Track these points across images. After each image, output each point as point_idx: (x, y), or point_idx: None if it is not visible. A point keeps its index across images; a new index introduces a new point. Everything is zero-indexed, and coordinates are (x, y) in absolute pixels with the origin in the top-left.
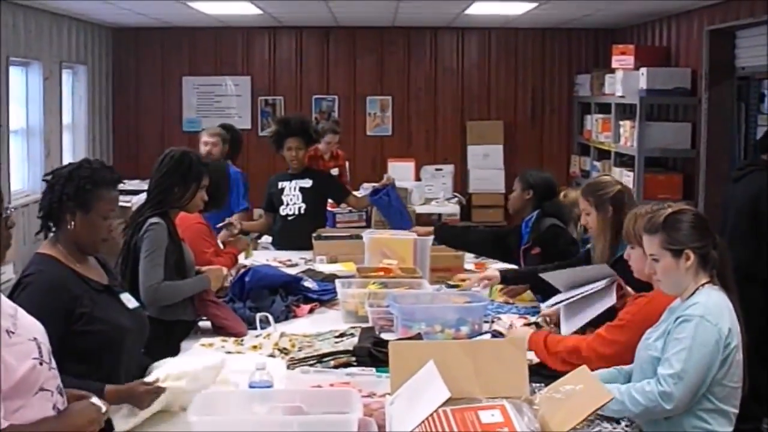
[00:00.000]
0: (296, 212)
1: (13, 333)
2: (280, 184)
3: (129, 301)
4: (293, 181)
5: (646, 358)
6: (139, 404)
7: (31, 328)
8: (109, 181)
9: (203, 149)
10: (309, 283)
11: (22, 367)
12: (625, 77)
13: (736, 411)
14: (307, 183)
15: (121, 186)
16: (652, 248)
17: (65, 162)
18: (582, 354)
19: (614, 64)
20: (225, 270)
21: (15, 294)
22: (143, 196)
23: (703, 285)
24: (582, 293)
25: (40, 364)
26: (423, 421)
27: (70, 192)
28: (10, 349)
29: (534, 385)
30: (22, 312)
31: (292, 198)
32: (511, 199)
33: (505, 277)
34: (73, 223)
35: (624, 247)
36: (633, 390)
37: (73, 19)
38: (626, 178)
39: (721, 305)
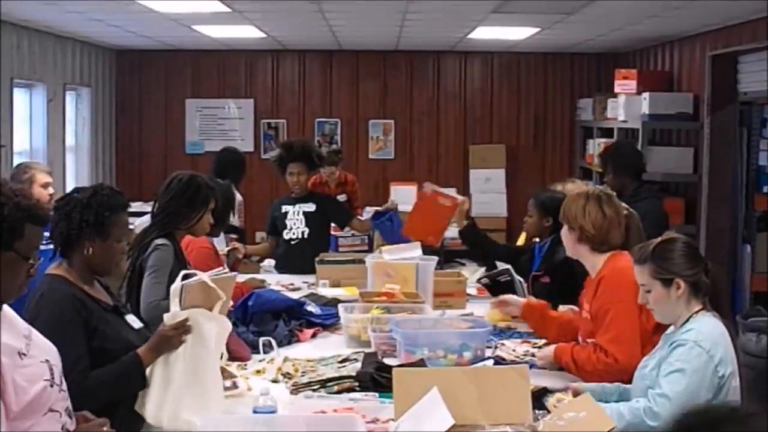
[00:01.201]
0: (299, 236)
1: (25, 355)
2: (284, 208)
3: (134, 322)
4: (296, 206)
5: (642, 387)
6: (173, 347)
7: (44, 348)
8: (123, 206)
9: (44, 192)
10: (312, 308)
11: (33, 389)
12: (627, 102)
13: None
14: (311, 207)
15: None
16: (643, 278)
17: (68, 184)
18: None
19: (617, 89)
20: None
21: (33, 315)
22: (146, 218)
23: (696, 312)
24: None
25: (51, 386)
26: None
27: (90, 220)
28: (22, 371)
29: (537, 412)
30: (36, 334)
31: (296, 222)
32: (528, 224)
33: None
34: (90, 249)
35: None
36: (622, 406)
37: (77, 42)
38: None
39: (715, 332)
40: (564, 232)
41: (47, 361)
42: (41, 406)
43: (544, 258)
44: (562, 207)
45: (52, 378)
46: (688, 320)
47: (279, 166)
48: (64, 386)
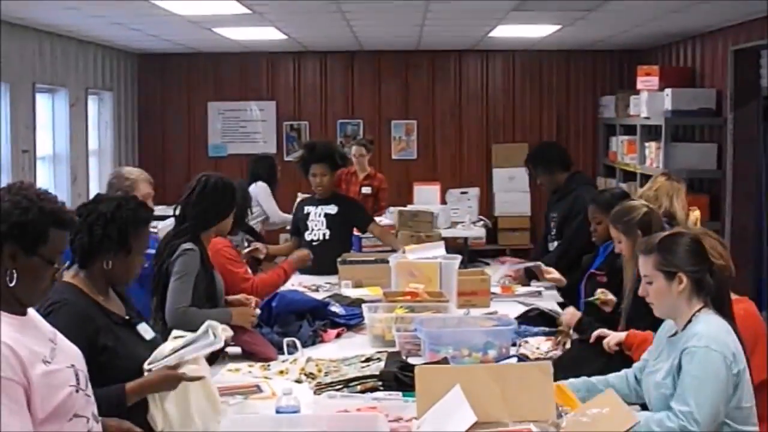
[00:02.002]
0: (321, 238)
1: (50, 362)
2: (306, 209)
3: (146, 332)
4: (319, 207)
5: (659, 397)
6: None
7: (70, 353)
8: (146, 220)
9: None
10: (336, 308)
11: (59, 395)
12: (650, 98)
13: (756, 429)
14: (333, 209)
15: None
16: (646, 269)
17: (92, 188)
18: None
19: (639, 86)
20: (254, 313)
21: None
22: (169, 222)
23: (698, 311)
24: None
25: (77, 391)
26: None
27: (113, 235)
28: (47, 377)
29: (560, 408)
30: (61, 337)
31: (317, 224)
32: (599, 231)
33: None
34: (110, 263)
35: None
36: (652, 422)
37: (99, 46)
38: None
39: (722, 330)
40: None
41: (73, 366)
42: (66, 413)
43: (607, 258)
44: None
45: (78, 383)
46: (691, 320)
47: (302, 167)
48: (90, 390)
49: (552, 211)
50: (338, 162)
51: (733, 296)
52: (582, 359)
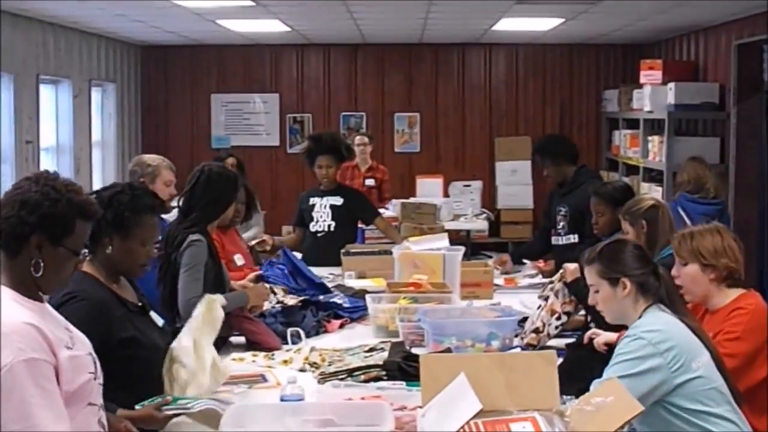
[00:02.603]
0: (325, 229)
1: (71, 347)
2: (311, 200)
3: (157, 319)
4: (324, 198)
5: None
6: (156, 425)
7: (85, 342)
8: (150, 207)
9: (167, 191)
10: (340, 299)
11: (79, 380)
12: (653, 92)
13: (729, 407)
14: (338, 201)
15: None
16: (591, 278)
17: (95, 179)
18: None
19: (642, 80)
20: (268, 290)
21: (60, 309)
22: (173, 213)
23: (645, 309)
24: None
25: (94, 378)
26: None
27: (108, 217)
28: (71, 362)
29: (564, 397)
30: (73, 327)
31: (322, 215)
32: (601, 223)
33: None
34: (110, 247)
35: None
36: None
37: (103, 37)
38: (655, 193)
39: (660, 321)
40: (695, 271)
41: (90, 354)
42: (82, 399)
43: None
44: (694, 247)
45: (95, 371)
46: (640, 317)
47: (307, 158)
48: (101, 380)
49: (558, 205)
50: (344, 154)
51: (741, 291)
52: (580, 361)
